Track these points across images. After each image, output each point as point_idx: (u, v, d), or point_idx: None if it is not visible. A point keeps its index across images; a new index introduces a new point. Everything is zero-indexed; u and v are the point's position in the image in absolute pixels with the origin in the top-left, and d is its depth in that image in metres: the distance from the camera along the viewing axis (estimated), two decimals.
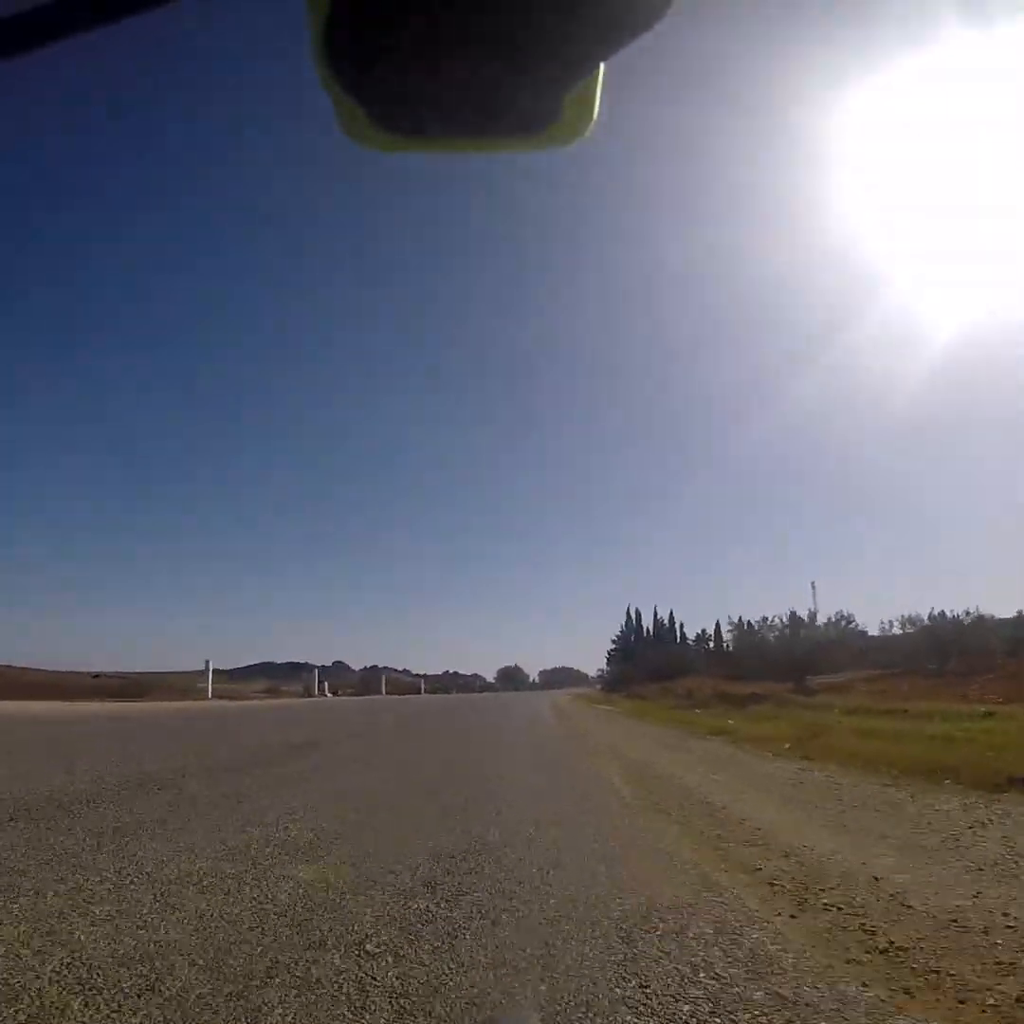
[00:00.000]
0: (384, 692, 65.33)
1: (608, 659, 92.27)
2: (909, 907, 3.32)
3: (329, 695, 50.04)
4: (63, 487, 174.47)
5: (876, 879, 3.78)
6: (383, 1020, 2.20)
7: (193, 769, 8.13)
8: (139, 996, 2.34)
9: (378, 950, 2.78)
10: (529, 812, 5.78)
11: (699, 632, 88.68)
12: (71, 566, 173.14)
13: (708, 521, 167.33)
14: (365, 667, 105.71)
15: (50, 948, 2.75)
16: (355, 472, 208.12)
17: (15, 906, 3.24)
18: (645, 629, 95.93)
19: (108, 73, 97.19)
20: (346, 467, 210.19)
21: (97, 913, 3.17)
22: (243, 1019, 2.18)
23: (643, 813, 5.94)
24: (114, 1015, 2.22)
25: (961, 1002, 2.36)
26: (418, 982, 2.49)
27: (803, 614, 35.54)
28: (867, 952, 2.80)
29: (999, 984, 2.48)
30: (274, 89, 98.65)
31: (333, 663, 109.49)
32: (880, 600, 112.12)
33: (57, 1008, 2.26)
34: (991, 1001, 2.36)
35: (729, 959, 2.70)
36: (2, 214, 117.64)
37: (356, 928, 3.01)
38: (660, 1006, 2.31)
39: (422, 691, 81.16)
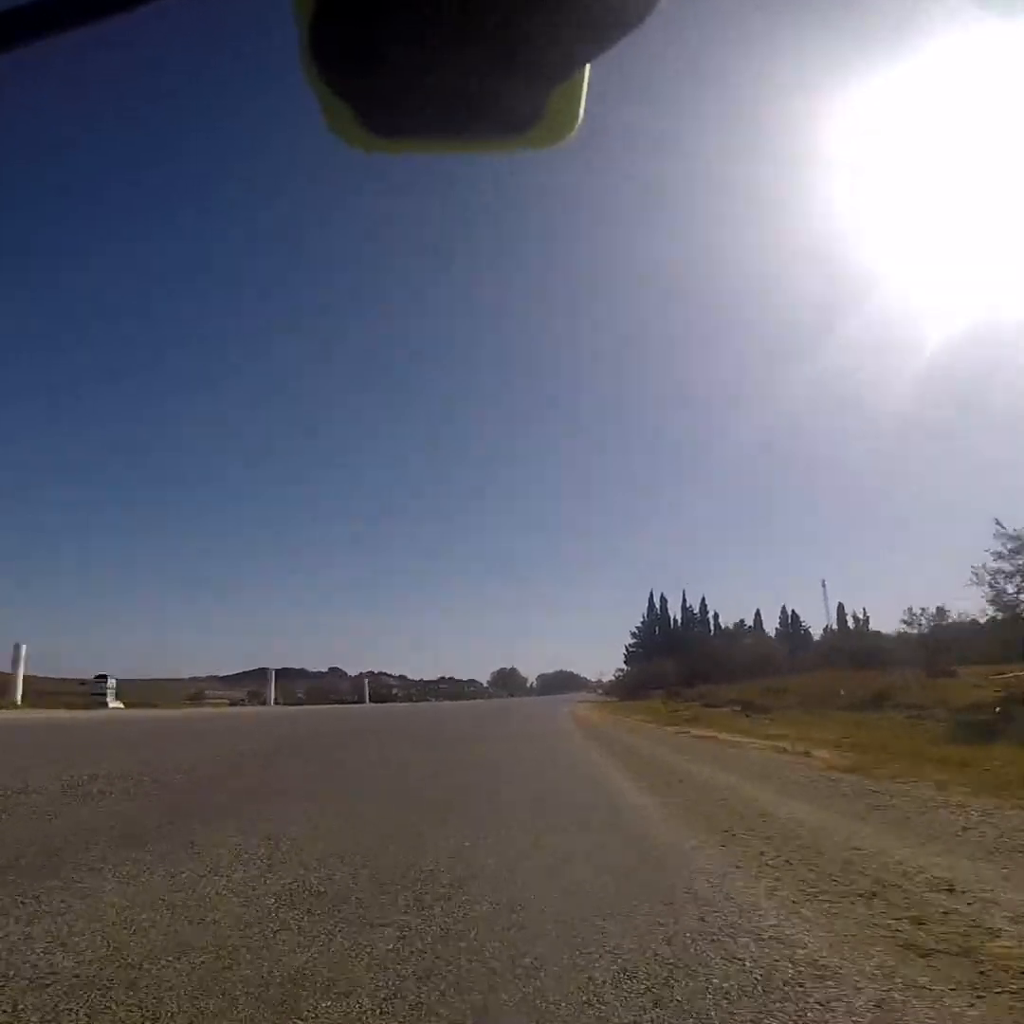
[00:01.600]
0: (273, 702, 46.62)
1: (627, 657, 73.14)
2: None
3: (115, 706, 30.15)
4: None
5: None
6: None
7: None
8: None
9: None
10: None
11: (737, 622, 71.76)
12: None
13: (714, 514, 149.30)
14: (360, 672, 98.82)
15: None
16: (350, 478, 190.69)
17: None
18: (672, 619, 77.06)
19: (88, 74, 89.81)
20: (341, 475, 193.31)
21: None
22: None
23: None
24: None
25: None
26: None
27: None
28: None
29: None
30: (261, 88, 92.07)
31: (329, 669, 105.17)
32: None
33: None
34: None
35: None
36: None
37: None
38: None
39: (367, 699, 60.91)
